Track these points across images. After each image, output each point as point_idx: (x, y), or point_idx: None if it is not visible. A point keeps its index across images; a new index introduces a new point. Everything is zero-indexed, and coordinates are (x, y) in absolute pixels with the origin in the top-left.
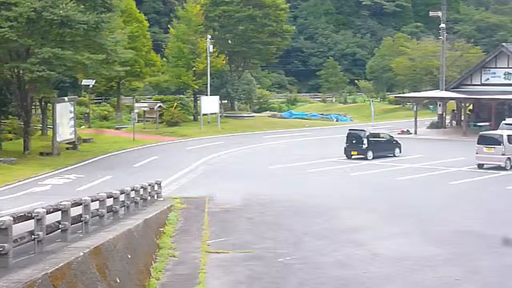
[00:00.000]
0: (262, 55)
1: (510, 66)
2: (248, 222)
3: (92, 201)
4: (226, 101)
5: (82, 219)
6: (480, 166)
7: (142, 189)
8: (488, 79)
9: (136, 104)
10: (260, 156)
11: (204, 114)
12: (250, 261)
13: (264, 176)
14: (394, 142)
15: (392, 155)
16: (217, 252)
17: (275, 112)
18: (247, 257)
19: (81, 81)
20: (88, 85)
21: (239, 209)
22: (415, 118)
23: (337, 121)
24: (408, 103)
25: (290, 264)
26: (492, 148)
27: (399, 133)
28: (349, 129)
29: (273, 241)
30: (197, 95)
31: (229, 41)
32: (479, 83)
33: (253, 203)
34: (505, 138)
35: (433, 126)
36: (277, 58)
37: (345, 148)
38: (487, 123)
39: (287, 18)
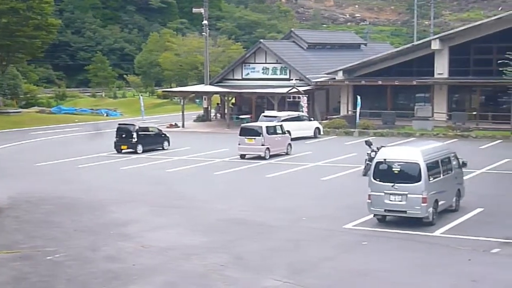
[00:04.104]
0: (27, 49)
1: (267, 62)
2: (15, 221)
3: None
4: None
5: None
6: (243, 156)
7: None
8: (248, 73)
9: None
10: (28, 153)
11: None
12: (16, 261)
13: (32, 174)
14: (163, 135)
15: (161, 148)
16: None
17: (44, 108)
18: (14, 257)
19: None
20: None
21: (5, 208)
22: (183, 112)
23: (107, 116)
24: (175, 98)
25: (60, 261)
26: (253, 139)
27: (167, 127)
28: (119, 124)
29: (42, 239)
30: None
31: None
32: (241, 78)
33: (21, 201)
34: (264, 130)
35: (199, 119)
36: (44, 52)
37: (115, 142)
38: (248, 116)
39: (53, 12)
